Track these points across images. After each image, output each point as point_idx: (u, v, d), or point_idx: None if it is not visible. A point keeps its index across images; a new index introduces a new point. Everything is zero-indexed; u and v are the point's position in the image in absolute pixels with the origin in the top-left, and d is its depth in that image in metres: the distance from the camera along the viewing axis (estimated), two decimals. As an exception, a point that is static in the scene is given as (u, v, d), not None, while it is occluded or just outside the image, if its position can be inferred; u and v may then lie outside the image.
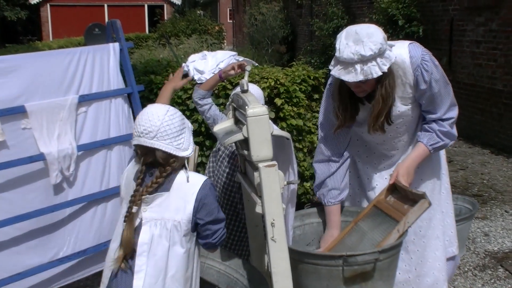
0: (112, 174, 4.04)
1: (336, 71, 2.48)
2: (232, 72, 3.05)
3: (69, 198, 3.73)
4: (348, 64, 2.43)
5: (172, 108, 2.19)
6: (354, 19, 12.20)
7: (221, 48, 16.78)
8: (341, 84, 2.61)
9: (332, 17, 12.62)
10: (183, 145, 2.12)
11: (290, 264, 2.22)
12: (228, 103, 3.15)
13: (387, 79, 2.52)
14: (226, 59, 5.45)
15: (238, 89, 2.95)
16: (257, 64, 5.87)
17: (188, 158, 2.26)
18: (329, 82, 2.79)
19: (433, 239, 2.88)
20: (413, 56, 2.60)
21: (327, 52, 12.57)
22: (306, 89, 5.16)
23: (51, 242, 3.65)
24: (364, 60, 2.39)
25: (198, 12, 24.66)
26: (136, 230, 2.13)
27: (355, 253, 2.39)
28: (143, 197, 2.10)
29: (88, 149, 3.89)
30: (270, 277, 2.23)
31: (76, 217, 3.74)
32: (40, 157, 3.48)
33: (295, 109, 5.03)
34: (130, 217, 2.11)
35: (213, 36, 18.92)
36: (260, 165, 2.11)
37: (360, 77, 2.41)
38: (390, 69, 2.48)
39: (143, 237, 2.11)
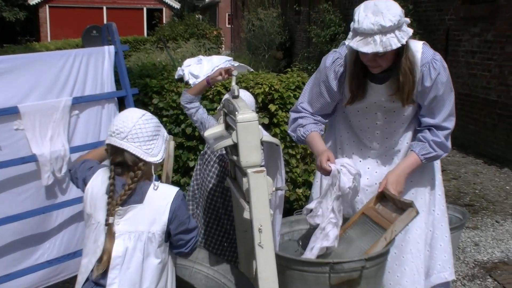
0: None
1: (354, 42, 2.47)
2: (220, 77, 3.08)
3: (59, 200, 3.73)
4: (367, 35, 2.42)
5: (149, 114, 2.20)
6: (351, 27, 12.25)
7: (219, 53, 16.82)
8: (356, 60, 2.61)
9: (330, 24, 12.66)
10: (152, 150, 2.12)
11: (277, 270, 2.23)
12: (219, 108, 3.17)
13: (407, 53, 2.54)
14: (221, 64, 5.49)
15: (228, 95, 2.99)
16: (252, 70, 5.90)
17: (162, 164, 2.31)
18: (335, 49, 2.80)
19: (408, 254, 2.84)
20: (425, 52, 2.62)
21: (324, 59, 12.60)
22: (300, 95, 5.17)
23: (39, 244, 3.65)
24: (383, 31, 2.39)
25: (197, 16, 24.69)
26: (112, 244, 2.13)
27: (341, 261, 2.40)
28: (117, 209, 2.09)
29: (80, 152, 3.89)
30: (257, 283, 2.24)
31: (64, 219, 3.75)
32: (32, 158, 3.48)
33: (288, 115, 5.04)
34: (109, 229, 2.11)
35: (211, 41, 18.93)
36: (249, 170, 2.12)
37: (379, 48, 2.40)
38: (407, 44, 2.50)
39: (117, 250, 2.10)
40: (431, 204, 2.94)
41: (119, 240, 2.11)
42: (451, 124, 2.77)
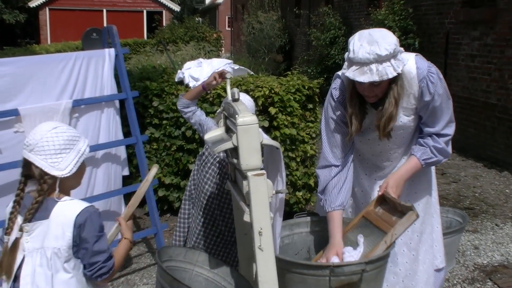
0: (97, 180, 4.05)
1: (350, 72, 2.47)
2: (214, 82, 3.09)
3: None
4: (363, 64, 2.42)
5: (63, 128, 2.13)
6: (351, 30, 12.26)
7: (219, 56, 16.83)
8: (352, 91, 2.61)
9: (330, 27, 12.69)
10: (59, 164, 2.05)
11: (277, 273, 2.23)
12: (219, 111, 3.17)
13: (399, 81, 2.53)
14: (221, 67, 5.49)
15: (228, 97, 3.01)
16: (252, 73, 5.91)
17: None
18: (332, 86, 2.77)
19: (423, 252, 2.88)
20: (420, 67, 2.61)
21: (323, 62, 12.63)
22: (300, 98, 5.19)
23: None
24: (379, 60, 2.40)
25: (197, 19, 24.71)
26: (18, 261, 2.09)
27: (342, 264, 2.40)
28: (23, 225, 2.06)
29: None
30: (257, 286, 2.24)
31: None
32: (32, 161, 3.48)
33: (289, 118, 5.05)
34: (14, 245, 2.08)
35: (211, 44, 18.95)
36: (249, 173, 2.11)
37: (376, 77, 2.40)
38: (401, 73, 2.49)
39: (26, 270, 2.07)
40: (428, 201, 2.95)
41: (28, 259, 2.08)
42: (451, 130, 2.78)
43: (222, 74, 3.03)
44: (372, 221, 2.66)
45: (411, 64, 2.60)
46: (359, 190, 2.99)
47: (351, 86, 2.61)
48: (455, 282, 4.10)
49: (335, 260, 2.58)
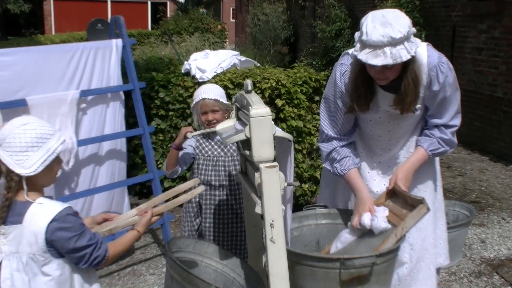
0: (101, 171, 4.06)
1: (363, 55, 2.40)
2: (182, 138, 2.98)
3: (67, 193, 3.74)
4: (376, 47, 2.36)
5: (34, 124, 2.04)
6: (357, 22, 12.16)
7: (223, 47, 16.80)
8: (360, 70, 2.55)
9: (335, 19, 12.62)
10: (24, 162, 1.99)
11: (287, 266, 2.22)
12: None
13: (414, 64, 2.49)
14: (228, 58, 5.47)
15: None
16: (258, 65, 5.88)
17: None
18: (339, 62, 2.72)
19: (424, 250, 2.85)
20: (431, 56, 2.58)
21: (329, 54, 12.58)
22: (307, 90, 5.17)
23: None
24: (393, 43, 2.34)
25: (201, 10, 24.67)
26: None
27: (352, 256, 2.39)
28: (0, 228, 2.05)
29: (86, 145, 3.90)
30: (267, 278, 2.24)
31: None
32: (40, 151, 3.48)
33: (295, 110, 5.04)
34: None
35: (215, 35, 18.92)
36: (261, 165, 2.11)
37: (389, 61, 2.35)
38: (414, 55, 2.44)
39: (4, 273, 2.05)
40: (434, 195, 2.94)
41: (5, 262, 2.06)
42: (457, 121, 2.77)
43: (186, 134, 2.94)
44: (382, 214, 2.65)
45: (422, 52, 2.57)
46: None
47: (359, 67, 2.56)
48: (461, 275, 4.09)
49: (367, 217, 2.58)
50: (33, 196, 2.05)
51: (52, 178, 2.15)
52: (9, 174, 2.01)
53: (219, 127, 2.52)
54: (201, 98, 3.06)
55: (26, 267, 2.04)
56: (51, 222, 1.99)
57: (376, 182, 2.87)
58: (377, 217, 2.56)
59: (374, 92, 2.66)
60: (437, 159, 3.00)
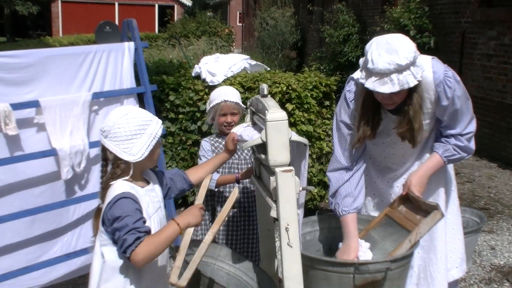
0: None
1: (370, 83, 2.41)
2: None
3: (77, 195, 3.74)
4: (383, 75, 2.37)
5: (134, 113, 2.17)
6: (365, 28, 12.21)
7: (230, 51, 16.83)
8: (366, 97, 2.55)
9: (343, 24, 12.63)
10: (131, 149, 2.12)
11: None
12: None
13: (419, 88, 2.49)
14: (238, 62, 5.48)
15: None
16: (269, 69, 5.89)
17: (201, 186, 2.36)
18: (346, 88, 2.72)
19: (435, 257, 2.83)
20: (436, 71, 2.56)
21: (336, 59, 12.58)
22: (317, 95, 5.17)
23: (55, 238, 3.66)
24: (399, 69, 2.35)
25: (208, 14, 24.71)
26: None
27: (367, 261, 2.39)
28: (102, 205, 2.18)
29: (98, 147, 3.90)
30: (280, 281, 2.24)
31: (81, 213, 3.76)
32: (52, 152, 3.50)
33: (305, 115, 5.05)
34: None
35: (223, 39, 18.96)
36: (277, 170, 2.11)
37: (397, 88, 2.36)
38: (420, 80, 2.44)
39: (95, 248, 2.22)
40: (448, 201, 2.92)
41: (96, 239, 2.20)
42: (472, 127, 2.74)
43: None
44: (396, 219, 2.65)
45: (428, 68, 2.56)
46: (372, 193, 2.96)
47: (365, 93, 2.55)
48: (471, 282, 4.08)
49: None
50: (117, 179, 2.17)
51: (154, 160, 2.26)
52: (116, 161, 2.15)
53: (234, 130, 2.52)
54: (222, 100, 3.09)
55: (97, 245, 2.17)
56: (108, 203, 2.10)
57: (392, 196, 2.86)
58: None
59: (380, 116, 2.66)
60: (450, 167, 2.98)
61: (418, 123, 2.56)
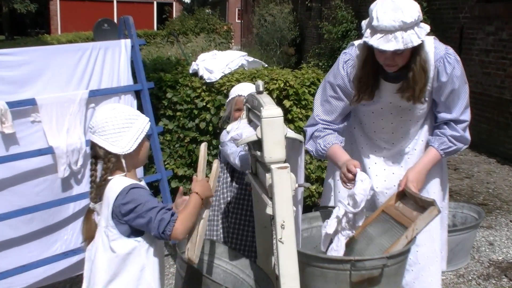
0: None
1: (374, 40, 2.40)
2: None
3: (74, 192, 3.74)
4: (388, 32, 2.36)
5: (121, 108, 2.22)
6: (363, 24, 12.19)
7: (229, 48, 16.81)
8: (367, 58, 2.55)
9: (342, 20, 12.61)
10: (119, 142, 2.14)
11: (298, 267, 2.22)
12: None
13: (422, 51, 2.49)
14: (236, 59, 5.46)
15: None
16: (266, 65, 5.88)
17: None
18: (344, 51, 2.72)
19: (427, 250, 2.84)
20: (437, 47, 2.58)
21: (335, 56, 12.55)
22: (315, 92, 5.12)
23: (54, 236, 3.66)
24: (404, 27, 2.35)
25: (207, 11, 24.68)
26: None
27: (363, 258, 2.38)
28: (96, 205, 2.19)
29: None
30: (277, 279, 2.23)
31: (80, 211, 3.76)
32: (49, 150, 3.49)
33: (303, 111, 5.04)
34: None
35: (221, 36, 18.95)
36: (273, 166, 2.10)
37: (401, 46, 2.36)
38: (422, 43, 2.44)
39: (93, 245, 2.22)
40: (441, 197, 2.93)
41: (97, 236, 2.20)
42: (467, 116, 2.74)
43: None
44: (392, 215, 2.64)
45: (429, 44, 2.57)
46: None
47: (365, 54, 2.55)
48: (470, 278, 4.08)
49: (361, 173, 2.53)
50: (115, 174, 2.18)
51: (142, 156, 2.27)
52: (106, 156, 2.16)
53: (229, 127, 2.52)
54: (237, 94, 3.17)
55: (102, 238, 2.16)
56: (117, 197, 2.10)
57: (386, 171, 2.85)
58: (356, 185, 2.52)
59: (379, 82, 2.65)
60: (444, 161, 2.98)
61: (420, 84, 2.54)
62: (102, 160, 2.18)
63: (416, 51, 2.48)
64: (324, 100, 2.79)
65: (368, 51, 2.53)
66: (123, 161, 2.17)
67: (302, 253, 2.40)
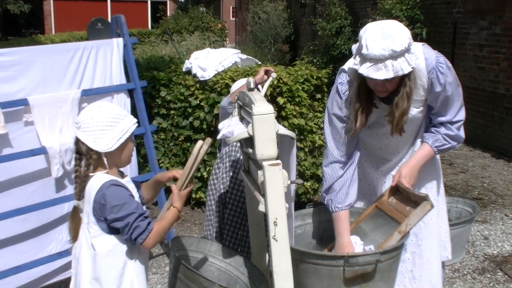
0: None
1: (364, 69, 2.38)
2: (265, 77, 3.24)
3: (68, 192, 3.72)
4: (378, 61, 2.34)
5: (108, 106, 2.22)
6: (357, 20, 12.18)
7: (223, 46, 16.78)
8: (361, 83, 2.53)
9: (335, 17, 12.60)
10: (101, 140, 2.14)
11: (291, 264, 2.21)
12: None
13: (411, 75, 2.47)
14: (229, 56, 5.46)
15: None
16: (260, 63, 5.88)
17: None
18: (338, 81, 2.68)
19: (430, 243, 2.85)
20: (428, 58, 2.54)
21: (329, 52, 12.56)
22: (308, 88, 5.16)
23: (49, 236, 3.65)
24: (394, 56, 2.32)
25: (201, 9, 24.61)
26: None
27: (356, 254, 2.39)
28: (79, 202, 2.19)
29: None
30: (270, 276, 2.23)
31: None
32: (42, 150, 3.48)
33: (297, 108, 5.03)
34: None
35: (216, 34, 18.88)
36: (264, 163, 2.10)
37: (391, 74, 2.34)
38: (414, 67, 2.43)
39: (78, 242, 2.23)
40: (436, 190, 2.93)
41: (81, 233, 2.21)
42: (462, 115, 2.73)
43: (268, 72, 3.23)
44: (386, 211, 2.65)
45: (420, 55, 2.55)
46: (366, 183, 2.95)
47: (359, 81, 2.53)
48: (465, 272, 4.09)
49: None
50: (96, 171, 2.18)
51: (125, 157, 2.26)
52: (88, 152, 2.15)
53: (221, 125, 2.51)
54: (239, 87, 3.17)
55: (85, 234, 2.17)
56: (97, 193, 2.11)
57: (386, 184, 2.86)
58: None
59: (373, 105, 2.64)
60: (438, 157, 2.98)
61: (401, 110, 2.52)
62: (84, 156, 2.17)
63: (405, 76, 2.45)
64: (334, 135, 2.73)
65: (360, 78, 2.51)
66: (105, 159, 2.16)
67: (295, 249, 2.40)
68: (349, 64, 2.60)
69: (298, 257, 2.40)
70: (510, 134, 7.52)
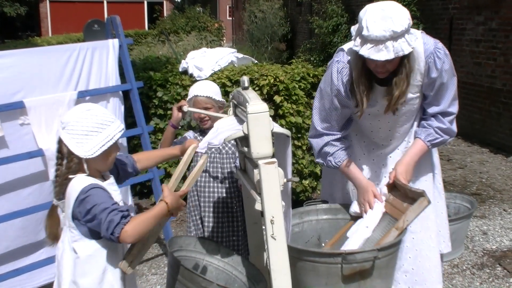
0: None
1: (365, 50, 2.39)
2: (180, 115, 3.06)
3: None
4: (378, 42, 2.35)
5: (96, 110, 2.16)
6: (353, 17, 12.17)
7: (220, 45, 16.76)
8: (362, 67, 2.54)
9: (332, 15, 12.59)
10: (84, 145, 2.09)
11: (289, 262, 2.21)
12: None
13: (410, 56, 2.48)
14: (225, 56, 5.46)
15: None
16: (256, 62, 5.87)
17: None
18: (335, 59, 2.68)
19: (428, 239, 2.85)
20: (427, 43, 2.57)
21: (326, 50, 12.55)
22: (305, 86, 5.16)
23: (44, 239, 3.64)
24: (395, 36, 2.33)
25: (198, 9, 24.57)
26: None
27: (354, 251, 2.39)
28: (59, 203, 2.17)
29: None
30: (269, 274, 2.23)
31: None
32: (39, 153, 3.47)
33: (294, 106, 5.03)
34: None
35: (213, 33, 18.86)
36: (260, 162, 2.09)
37: (392, 55, 2.35)
38: (414, 47, 2.44)
39: (61, 244, 2.20)
40: (433, 185, 2.92)
41: (63, 234, 2.19)
42: (455, 108, 2.75)
43: (180, 107, 3.04)
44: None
45: (418, 39, 2.56)
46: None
47: (360, 62, 2.54)
48: (464, 267, 4.09)
49: (379, 204, 2.64)
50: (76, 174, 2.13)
51: (107, 163, 2.22)
52: (70, 155, 2.12)
53: (216, 124, 2.51)
54: (193, 95, 3.10)
55: (66, 238, 2.15)
56: (76, 198, 2.07)
57: (377, 173, 2.86)
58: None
59: (373, 86, 2.64)
60: (435, 151, 2.98)
61: (399, 90, 2.54)
62: (65, 157, 2.13)
63: (405, 56, 2.46)
64: (323, 111, 2.75)
65: (360, 59, 2.51)
66: (85, 164, 2.12)
67: (293, 247, 2.40)
68: (349, 45, 2.60)
69: (296, 255, 2.40)
70: (508, 129, 7.53)
